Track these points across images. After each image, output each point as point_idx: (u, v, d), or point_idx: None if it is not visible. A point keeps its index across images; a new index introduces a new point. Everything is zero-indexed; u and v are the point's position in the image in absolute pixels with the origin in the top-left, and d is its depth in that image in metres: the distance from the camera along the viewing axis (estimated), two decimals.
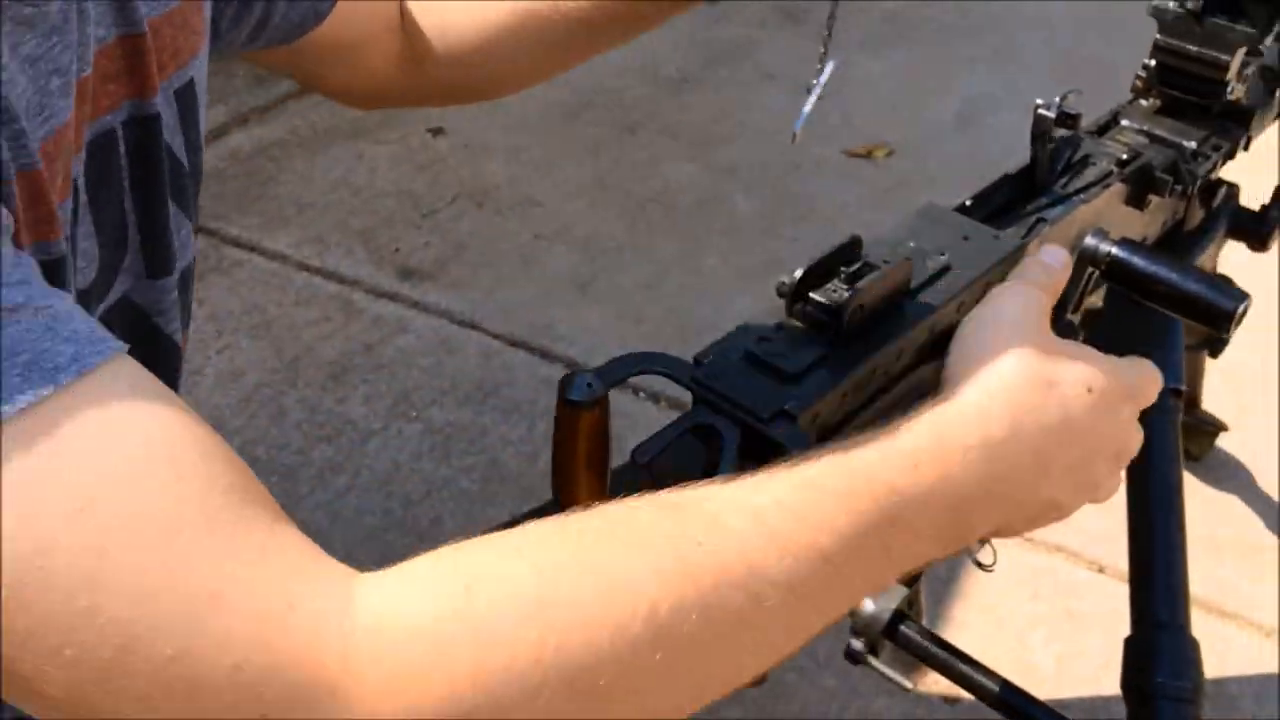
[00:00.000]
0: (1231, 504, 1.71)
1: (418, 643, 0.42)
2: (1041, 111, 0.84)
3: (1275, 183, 1.17)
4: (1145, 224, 0.99)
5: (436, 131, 2.70)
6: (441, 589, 0.43)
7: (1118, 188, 0.90)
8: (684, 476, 0.61)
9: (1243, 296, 0.73)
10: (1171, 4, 0.97)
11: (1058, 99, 0.85)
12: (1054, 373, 0.59)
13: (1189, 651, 0.92)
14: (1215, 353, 1.48)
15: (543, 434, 1.83)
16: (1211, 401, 1.81)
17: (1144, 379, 0.66)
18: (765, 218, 2.38)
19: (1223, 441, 1.77)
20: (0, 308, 0.42)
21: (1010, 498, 0.57)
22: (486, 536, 0.47)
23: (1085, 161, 0.94)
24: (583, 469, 0.63)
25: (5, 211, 0.44)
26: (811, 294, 0.66)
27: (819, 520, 0.49)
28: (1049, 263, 0.70)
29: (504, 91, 1.07)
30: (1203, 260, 1.13)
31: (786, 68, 2.93)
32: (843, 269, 0.67)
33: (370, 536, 1.66)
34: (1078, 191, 0.89)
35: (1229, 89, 0.98)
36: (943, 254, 0.74)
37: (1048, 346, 0.60)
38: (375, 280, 2.17)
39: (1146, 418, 1.06)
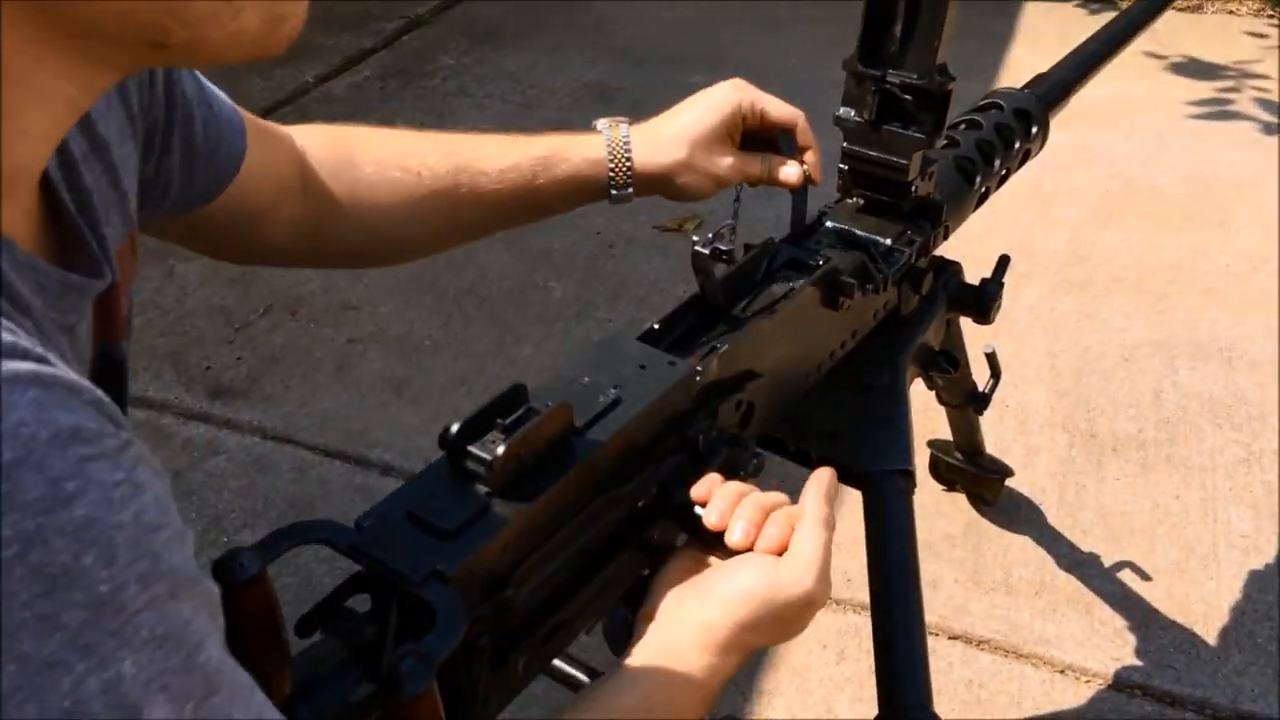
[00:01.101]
0: (1024, 545, 1.79)
1: None
2: (698, 249, 0.87)
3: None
4: (852, 320, 1.05)
5: None
6: None
7: (811, 292, 0.96)
8: (354, 638, 0.63)
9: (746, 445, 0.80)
10: (851, 114, 1.04)
11: (710, 235, 0.88)
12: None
13: None
14: (979, 410, 1.56)
15: None
16: (1002, 445, 1.91)
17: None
18: (579, 300, 2.43)
19: (1014, 483, 1.85)
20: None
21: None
22: None
23: (785, 269, 0.99)
24: (259, 642, 0.64)
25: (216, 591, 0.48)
26: (469, 447, 0.68)
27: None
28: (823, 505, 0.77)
29: (403, 259, 1.07)
30: (928, 338, 1.21)
31: None
32: (499, 420, 0.70)
33: None
34: (772, 304, 0.94)
35: (914, 187, 1.05)
36: (616, 386, 0.78)
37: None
38: (185, 402, 2.15)
39: (880, 504, 1.11)
